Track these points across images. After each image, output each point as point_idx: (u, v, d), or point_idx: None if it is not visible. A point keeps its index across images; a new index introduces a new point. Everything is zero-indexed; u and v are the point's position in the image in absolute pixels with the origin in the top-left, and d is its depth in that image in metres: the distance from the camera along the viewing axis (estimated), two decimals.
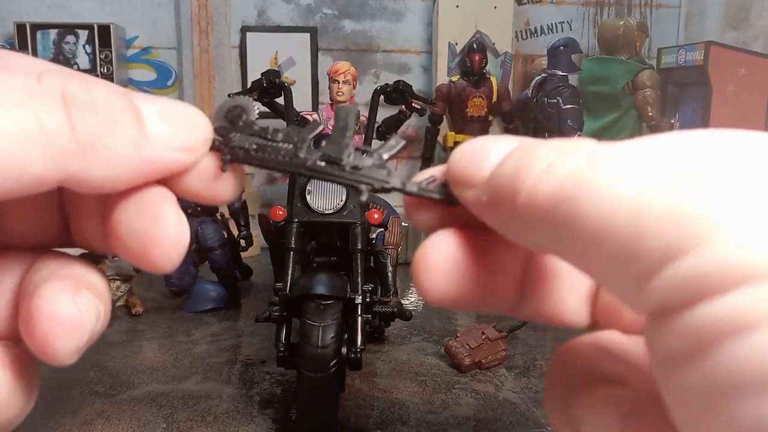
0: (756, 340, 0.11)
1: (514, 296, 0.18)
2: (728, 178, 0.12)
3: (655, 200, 0.12)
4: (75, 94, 0.14)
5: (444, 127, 3.54)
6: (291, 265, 1.93)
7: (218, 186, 0.17)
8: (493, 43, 3.61)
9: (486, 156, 0.16)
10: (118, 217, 0.16)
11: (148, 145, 0.15)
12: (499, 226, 0.16)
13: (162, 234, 0.16)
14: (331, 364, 1.75)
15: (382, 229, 2.46)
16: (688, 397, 0.12)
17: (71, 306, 0.16)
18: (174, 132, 0.16)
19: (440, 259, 0.17)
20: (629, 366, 0.17)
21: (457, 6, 3.57)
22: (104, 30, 4.08)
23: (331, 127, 0.20)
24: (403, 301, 2.89)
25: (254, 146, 0.19)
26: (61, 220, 0.19)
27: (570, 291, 0.19)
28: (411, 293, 3.55)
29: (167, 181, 0.17)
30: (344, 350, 1.84)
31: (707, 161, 0.12)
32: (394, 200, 2.56)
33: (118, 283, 2.73)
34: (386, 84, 2.44)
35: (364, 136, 2.34)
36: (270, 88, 2.30)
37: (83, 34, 4.09)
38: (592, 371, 0.17)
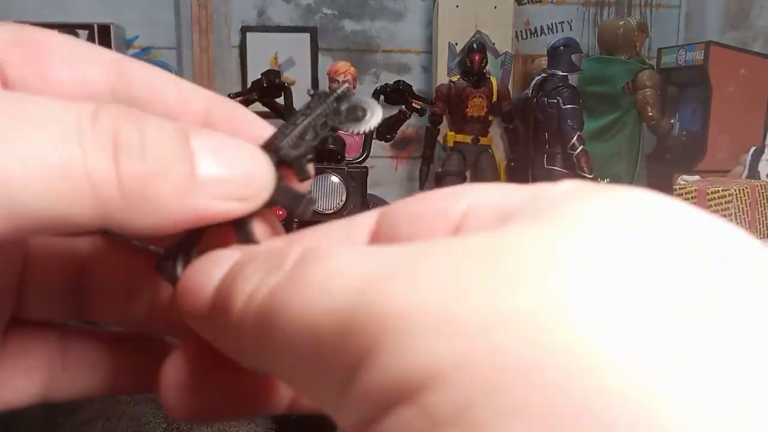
0: None
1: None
2: (423, 264, 0.11)
3: (342, 303, 0.11)
4: (127, 138, 0.13)
5: (444, 127, 3.54)
6: None
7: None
8: (493, 43, 3.61)
9: (205, 284, 0.15)
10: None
11: (196, 194, 0.14)
12: (221, 347, 0.15)
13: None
14: None
15: None
16: None
17: None
18: (227, 179, 0.14)
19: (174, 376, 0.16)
20: None
21: (457, 6, 3.57)
22: (104, 30, 4.08)
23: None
24: None
25: (298, 137, 0.18)
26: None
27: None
28: None
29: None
30: None
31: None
32: (395, 200, 2.55)
33: None
34: (386, 84, 2.44)
35: (363, 135, 2.34)
36: (270, 88, 2.31)
37: (83, 34, 4.08)
38: None
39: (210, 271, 0.15)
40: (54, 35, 0.16)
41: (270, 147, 0.17)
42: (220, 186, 0.14)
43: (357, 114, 0.20)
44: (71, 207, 0.13)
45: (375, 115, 0.20)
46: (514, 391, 0.09)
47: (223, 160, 0.14)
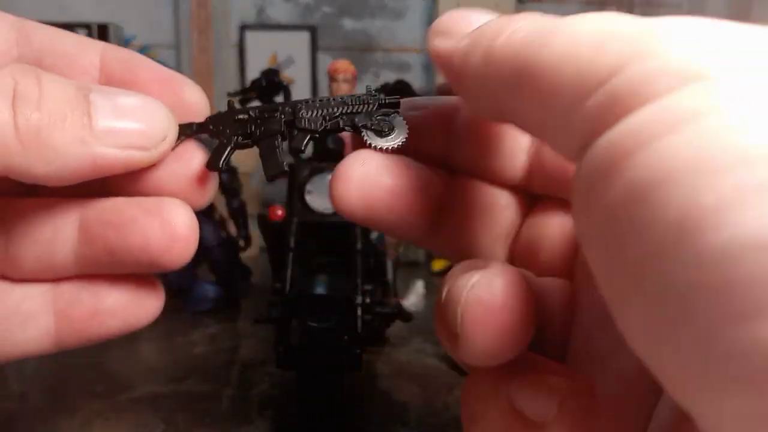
0: (693, 130, 0.10)
1: (426, 224, 0.19)
2: (682, 25, 0.12)
3: (612, 31, 0.12)
4: (25, 90, 0.14)
5: None
6: (290, 265, 1.92)
7: (198, 191, 0.17)
8: None
9: (471, 18, 0.17)
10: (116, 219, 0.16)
11: (94, 143, 0.15)
12: (464, 83, 0.17)
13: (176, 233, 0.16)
14: (331, 364, 1.74)
15: None
16: (614, 210, 0.11)
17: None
18: (125, 129, 0.15)
19: (355, 170, 0.18)
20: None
21: (458, 5, 3.56)
22: (103, 29, 4.07)
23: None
24: (403, 302, 2.88)
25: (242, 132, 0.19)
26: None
27: (485, 228, 0.19)
28: (411, 294, 3.54)
29: (138, 178, 0.16)
30: (344, 351, 1.83)
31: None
32: None
33: None
34: (386, 83, 2.43)
35: None
36: (269, 86, 2.32)
37: (82, 33, 4.08)
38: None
39: (478, 12, 0.17)
40: None
41: (291, 109, 0.19)
42: (118, 136, 0.15)
43: (383, 128, 0.20)
44: None
45: (397, 138, 0.20)
46: None
47: (122, 113, 0.16)
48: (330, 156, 1.95)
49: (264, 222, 2.28)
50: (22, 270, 0.17)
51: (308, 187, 1.98)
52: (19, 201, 0.17)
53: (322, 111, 0.20)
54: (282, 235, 2.02)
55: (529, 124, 0.15)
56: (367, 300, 1.97)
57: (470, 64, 0.16)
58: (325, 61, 3.87)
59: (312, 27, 4.17)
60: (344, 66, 2.66)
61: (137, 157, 0.16)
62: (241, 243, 3.11)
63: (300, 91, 4.09)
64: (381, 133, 0.20)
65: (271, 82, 2.32)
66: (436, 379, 2.56)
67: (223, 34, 4.28)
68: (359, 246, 1.97)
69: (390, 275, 2.46)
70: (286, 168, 0.19)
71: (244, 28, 4.44)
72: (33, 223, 0.17)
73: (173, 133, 0.17)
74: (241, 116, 0.19)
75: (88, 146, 0.15)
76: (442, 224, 0.20)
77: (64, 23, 4.32)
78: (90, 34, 4.07)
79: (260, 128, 0.19)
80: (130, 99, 0.16)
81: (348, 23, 4.04)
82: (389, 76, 3.74)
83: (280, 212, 2.16)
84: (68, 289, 0.17)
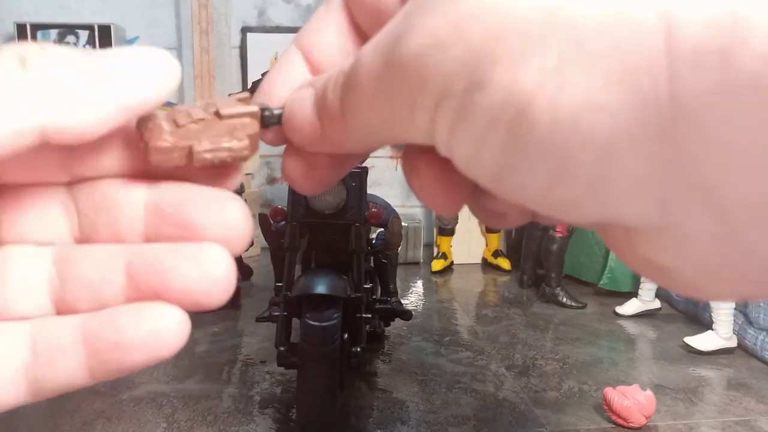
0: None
1: None
2: None
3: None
4: (28, 52, 0.16)
5: None
6: (291, 265, 1.93)
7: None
8: None
9: (304, 110, 0.19)
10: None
11: (108, 83, 0.16)
12: (343, 148, 0.19)
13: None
14: (331, 363, 1.75)
15: (382, 229, 2.46)
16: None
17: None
18: (133, 65, 0.17)
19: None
20: None
21: None
22: (104, 30, 4.08)
23: None
24: (403, 301, 2.89)
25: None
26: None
27: None
28: (411, 293, 3.55)
29: (181, 226, 0.18)
30: (344, 350, 1.84)
31: None
32: (394, 200, 2.56)
33: None
34: None
35: None
36: None
37: (83, 35, 4.09)
38: None
39: (303, 105, 0.19)
40: None
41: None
42: (128, 70, 0.17)
43: None
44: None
45: None
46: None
47: (124, 52, 0.17)
48: None
49: (265, 222, 2.29)
50: (74, 313, 0.18)
51: None
52: (72, 247, 0.19)
53: None
54: (283, 235, 2.03)
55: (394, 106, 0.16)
56: (368, 299, 1.98)
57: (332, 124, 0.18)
58: None
59: None
60: None
61: (151, 87, 0.17)
62: None
63: None
64: None
65: None
66: (435, 377, 2.57)
67: (224, 35, 4.30)
68: (359, 246, 1.98)
69: (390, 275, 2.46)
70: None
71: (245, 30, 4.44)
72: (84, 269, 0.18)
73: (178, 71, 0.18)
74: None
75: (103, 82, 0.16)
76: None
77: (66, 24, 4.31)
78: (92, 35, 4.07)
79: None
80: (128, 48, 0.18)
81: None
82: None
83: (281, 212, 2.17)
84: (95, 324, 0.18)
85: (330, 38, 0.20)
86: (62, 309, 0.19)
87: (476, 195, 0.19)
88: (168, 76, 0.17)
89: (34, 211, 0.19)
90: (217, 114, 0.19)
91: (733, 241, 0.13)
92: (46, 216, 0.19)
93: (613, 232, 0.16)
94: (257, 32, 4.29)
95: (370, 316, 2.06)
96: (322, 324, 1.75)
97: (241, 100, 0.20)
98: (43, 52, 0.16)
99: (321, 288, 1.78)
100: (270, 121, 0.20)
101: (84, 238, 0.19)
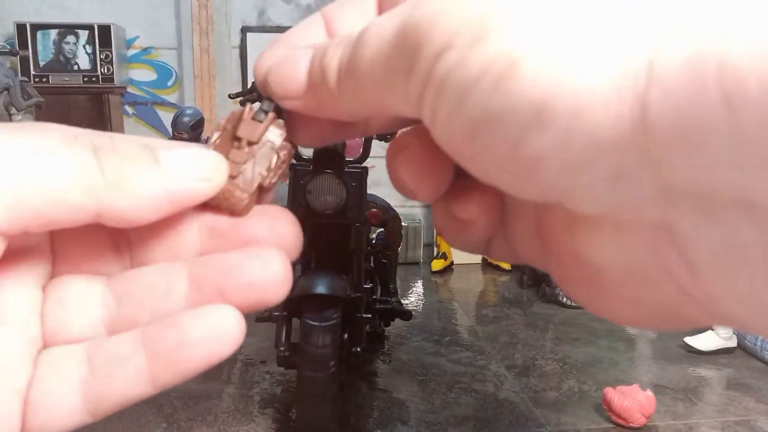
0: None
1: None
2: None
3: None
4: (102, 144, 0.18)
5: None
6: (291, 265, 1.93)
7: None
8: None
9: (296, 68, 0.20)
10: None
11: (164, 177, 0.18)
12: (328, 113, 0.20)
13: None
14: (331, 363, 1.75)
15: (382, 229, 2.46)
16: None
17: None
18: (185, 165, 0.19)
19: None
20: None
21: None
22: (104, 30, 4.08)
23: None
24: (403, 301, 2.89)
25: None
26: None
27: None
28: (411, 293, 3.55)
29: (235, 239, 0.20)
30: (344, 350, 1.84)
31: None
32: (394, 200, 2.56)
33: None
34: None
35: (363, 137, 2.34)
36: None
37: (83, 34, 4.09)
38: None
39: (295, 64, 0.20)
40: None
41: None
42: (181, 170, 0.19)
43: None
44: (69, 192, 0.17)
45: None
46: None
47: (180, 154, 0.19)
48: (331, 156, 1.96)
49: None
50: (138, 326, 0.20)
51: (309, 187, 1.99)
52: (126, 272, 0.21)
53: None
54: None
55: (375, 104, 0.18)
56: (367, 299, 1.98)
57: (324, 98, 0.19)
58: None
59: None
60: None
61: (201, 186, 0.19)
62: None
63: None
64: None
65: None
66: (435, 377, 2.57)
67: (224, 35, 4.30)
68: (359, 246, 1.98)
69: (390, 275, 2.46)
70: None
71: (245, 29, 4.44)
72: (145, 282, 0.20)
73: (224, 169, 0.20)
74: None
75: (160, 179, 0.18)
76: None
77: (66, 24, 4.31)
78: (92, 35, 4.07)
79: None
80: (183, 146, 0.20)
81: None
82: None
83: None
84: (156, 330, 0.19)
85: (353, 14, 0.22)
86: (117, 328, 0.20)
87: (446, 199, 0.20)
88: (215, 176, 0.19)
89: (87, 246, 0.20)
90: (250, 144, 0.20)
91: (669, 240, 0.14)
92: (98, 250, 0.21)
93: (556, 222, 0.18)
94: (257, 32, 4.29)
95: (370, 316, 2.06)
96: (322, 324, 1.75)
97: (235, 113, 0.21)
98: (114, 146, 0.18)
99: (321, 288, 1.78)
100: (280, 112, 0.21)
101: (137, 266, 0.21)
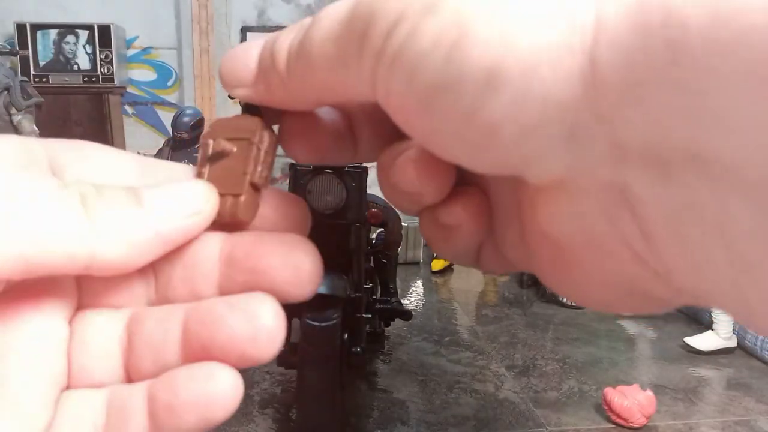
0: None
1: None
2: None
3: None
4: (86, 192, 0.17)
5: None
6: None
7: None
8: None
9: (247, 56, 0.20)
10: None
11: (153, 220, 0.18)
12: (278, 101, 0.20)
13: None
14: (331, 363, 1.75)
15: (382, 229, 2.46)
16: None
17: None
18: (173, 203, 0.18)
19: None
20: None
21: None
22: (104, 30, 4.08)
23: None
24: (403, 301, 2.89)
25: None
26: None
27: None
28: (411, 293, 3.55)
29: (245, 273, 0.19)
30: (344, 350, 1.84)
31: None
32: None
33: None
34: None
35: None
36: None
37: (83, 34, 4.09)
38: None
39: (247, 52, 0.20)
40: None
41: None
42: (169, 210, 0.18)
43: None
44: (62, 241, 0.16)
45: None
46: None
47: (166, 192, 0.18)
48: None
49: None
50: (141, 376, 0.19)
51: (309, 187, 1.99)
52: (144, 308, 0.20)
53: None
54: None
55: (329, 86, 0.18)
56: (367, 299, 1.98)
57: (276, 85, 0.19)
58: None
59: None
60: None
61: (192, 221, 0.19)
62: None
63: None
64: None
65: None
66: (435, 377, 2.57)
67: (224, 35, 4.30)
68: (359, 246, 1.98)
69: (390, 275, 2.46)
70: None
71: (245, 29, 4.44)
72: (148, 327, 0.19)
73: (213, 198, 0.19)
74: None
75: (149, 222, 0.18)
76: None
77: (66, 24, 4.32)
78: (92, 35, 4.07)
79: None
80: (169, 185, 0.19)
81: None
82: None
83: None
84: (155, 387, 0.18)
85: None
86: (131, 372, 0.19)
87: (432, 207, 0.20)
88: (205, 208, 0.19)
89: (111, 278, 0.19)
90: (226, 153, 0.20)
91: (620, 215, 0.15)
92: (125, 280, 0.19)
93: (520, 200, 0.18)
94: (257, 32, 4.29)
95: (370, 316, 2.06)
96: (322, 324, 1.75)
97: (214, 126, 0.21)
98: (100, 193, 0.17)
99: (321, 288, 1.77)
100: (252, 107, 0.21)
101: (160, 299, 0.19)
